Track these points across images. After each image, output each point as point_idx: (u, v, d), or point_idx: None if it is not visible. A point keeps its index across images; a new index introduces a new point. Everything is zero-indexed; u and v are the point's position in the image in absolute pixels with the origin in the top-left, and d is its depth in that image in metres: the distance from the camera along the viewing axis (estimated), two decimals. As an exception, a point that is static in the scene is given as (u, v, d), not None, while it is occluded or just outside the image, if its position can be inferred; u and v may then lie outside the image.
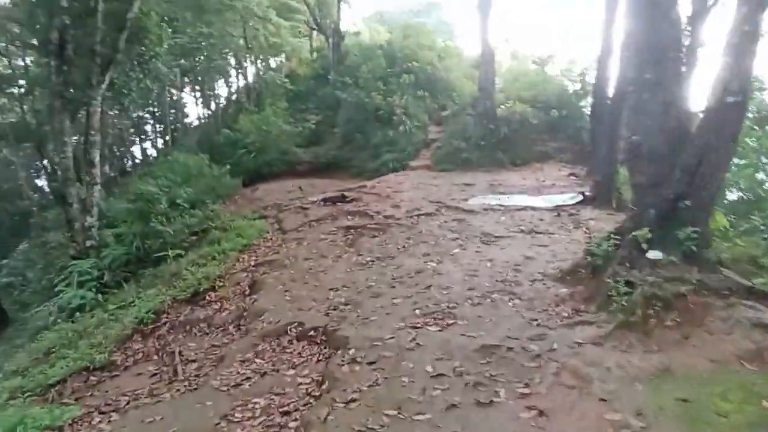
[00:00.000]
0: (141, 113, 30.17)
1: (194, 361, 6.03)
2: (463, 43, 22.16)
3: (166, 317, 7.34)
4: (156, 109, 30.27)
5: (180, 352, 6.30)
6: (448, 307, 5.79)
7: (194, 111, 33.93)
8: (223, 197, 16.27)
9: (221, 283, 7.98)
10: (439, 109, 18.54)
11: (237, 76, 27.04)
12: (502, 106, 16.23)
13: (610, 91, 11.93)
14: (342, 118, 18.69)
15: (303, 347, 5.60)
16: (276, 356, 5.51)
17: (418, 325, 5.34)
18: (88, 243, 12.22)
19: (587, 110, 16.60)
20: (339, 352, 5.13)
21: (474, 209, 10.25)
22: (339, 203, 11.60)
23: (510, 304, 5.73)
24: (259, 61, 25.99)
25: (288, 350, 5.61)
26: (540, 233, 8.56)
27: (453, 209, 10.48)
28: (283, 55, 27.58)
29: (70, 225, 12.52)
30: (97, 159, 12.43)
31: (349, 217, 10.54)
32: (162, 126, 31.01)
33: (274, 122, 19.28)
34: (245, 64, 25.45)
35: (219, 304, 7.43)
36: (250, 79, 26.51)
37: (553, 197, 10.43)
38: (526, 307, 5.59)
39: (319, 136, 19.93)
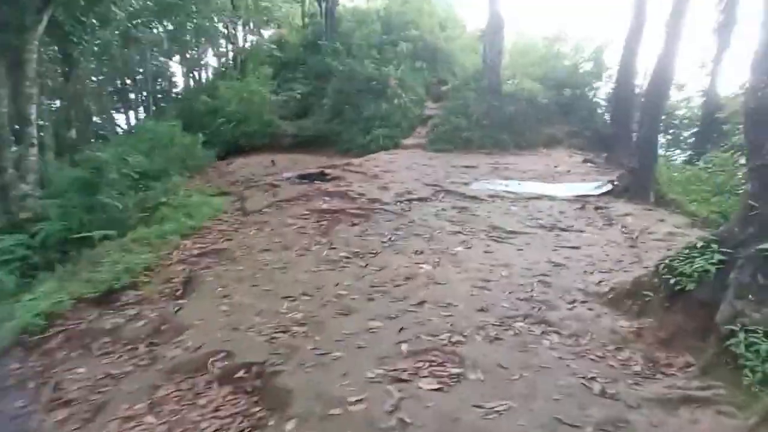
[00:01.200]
0: (126, 80, 27.60)
1: (70, 402, 3.91)
2: (467, 15, 19.66)
3: (63, 324, 5.17)
4: (140, 76, 27.69)
5: (57, 385, 4.18)
6: (450, 341, 3.68)
7: (183, 81, 31.33)
8: (192, 170, 14.01)
9: (147, 279, 5.81)
10: (438, 84, 16.23)
11: (226, 45, 24.42)
12: (509, 82, 14.00)
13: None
14: (331, 89, 16.35)
15: (224, 398, 3.48)
16: (180, 412, 3.39)
17: (404, 377, 3.23)
18: (23, 215, 10.02)
19: (601, 92, 14.54)
20: (274, 417, 3.04)
21: (478, 195, 8.13)
22: (317, 182, 9.42)
23: (545, 341, 3.64)
24: (248, 28, 23.38)
25: (201, 401, 3.48)
26: (564, 230, 6.47)
27: (452, 194, 8.36)
28: (276, 24, 24.94)
29: (3, 193, 10.26)
30: (33, 116, 10.10)
31: (326, 198, 8.36)
32: (145, 94, 28.43)
33: (256, 90, 16.89)
34: (233, 30, 22.84)
35: (137, 308, 5.26)
36: (240, 45, 23.95)
37: (574, 185, 8.33)
38: (572, 350, 3.50)
39: (308, 108, 17.55)
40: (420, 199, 8.04)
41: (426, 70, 16.11)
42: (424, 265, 5.33)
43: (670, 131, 14.33)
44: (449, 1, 19.87)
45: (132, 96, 29.76)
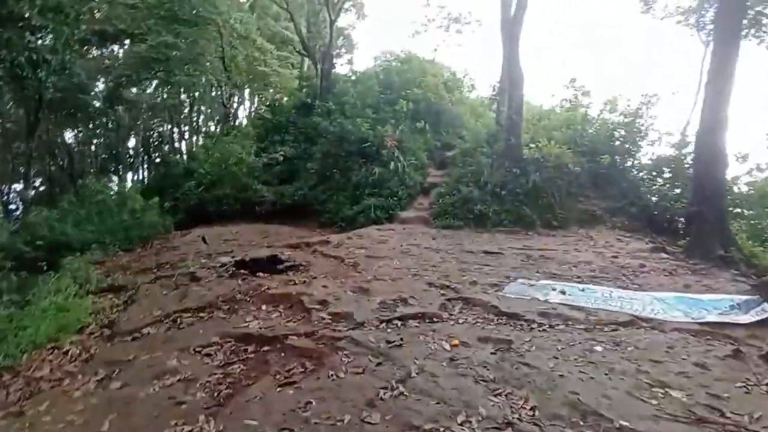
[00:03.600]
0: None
1: None
2: (473, 82, 16.90)
3: None
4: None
5: None
6: None
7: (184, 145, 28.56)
8: (136, 241, 10.45)
9: None
10: (443, 149, 12.98)
11: (219, 107, 21.78)
12: (531, 146, 10.67)
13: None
14: (319, 152, 13.11)
15: None
16: None
17: None
18: None
19: (646, 158, 11.17)
20: None
21: (522, 313, 4.37)
22: (262, 273, 5.70)
23: None
24: (241, 91, 20.76)
25: None
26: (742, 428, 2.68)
27: (476, 308, 4.61)
28: (273, 89, 22.42)
29: None
30: None
31: (263, 308, 4.63)
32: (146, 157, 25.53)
33: (231, 150, 13.66)
34: (225, 92, 20.17)
35: None
36: (233, 108, 21.27)
37: (688, 300, 4.56)
38: None
39: (294, 173, 14.21)
40: (421, 318, 4.30)
41: (429, 132, 12.90)
42: None
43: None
44: (453, 67, 17.11)
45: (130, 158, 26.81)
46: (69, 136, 23.48)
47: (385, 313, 4.40)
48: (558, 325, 4.15)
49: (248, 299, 4.86)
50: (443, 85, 14.38)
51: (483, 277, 5.67)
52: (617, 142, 11.01)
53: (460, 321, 4.27)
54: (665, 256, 6.90)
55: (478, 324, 4.21)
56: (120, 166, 25.15)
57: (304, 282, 5.31)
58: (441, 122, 13.42)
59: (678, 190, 10.10)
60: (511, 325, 4.18)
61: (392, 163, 11.06)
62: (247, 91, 24.49)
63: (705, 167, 6.85)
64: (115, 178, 25.25)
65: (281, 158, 13.72)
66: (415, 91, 13.42)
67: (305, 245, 8.19)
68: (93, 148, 24.43)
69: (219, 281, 5.49)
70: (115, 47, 19.02)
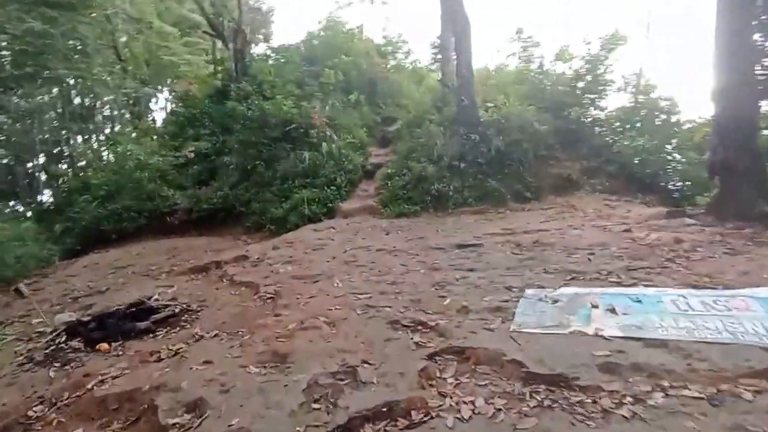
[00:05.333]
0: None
1: None
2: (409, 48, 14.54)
3: None
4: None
5: None
6: None
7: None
8: (8, 280, 7.52)
9: None
10: (384, 123, 10.70)
11: (118, 105, 18.20)
12: (489, 105, 8.64)
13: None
14: (236, 142, 10.48)
15: None
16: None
17: None
18: None
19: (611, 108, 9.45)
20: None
21: (567, 373, 2.26)
22: (108, 342, 3.24)
23: None
24: (142, 84, 17.36)
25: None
26: None
27: (489, 375, 2.43)
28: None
29: None
30: None
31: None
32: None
33: (129, 153, 10.72)
34: (126, 88, 16.72)
35: None
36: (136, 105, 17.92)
37: None
38: None
39: (213, 172, 11.45)
40: (389, 420, 2.08)
41: (365, 105, 10.55)
42: None
43: None
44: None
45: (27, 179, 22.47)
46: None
47: (316, 416, 2.13)
48: (649, 395, 2.05)
49: (51, 415, 2.42)
50: (376, 51, 12.00)
51: (472, 293, 3.50)
52: (581, 94, 9.17)
53: (465, 416, 2.07)
54: (689, 221, 5.04)
55: (502, 418, 2.03)
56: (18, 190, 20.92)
57: (176, 353, 2.91)
58: (377, 93, 11.08)
59: (655, 141, 8.44)
60: (562, 408, 2.04)
61: (324, 144, 8.68)
62: (159, 87, 20.98)
63: (730, 102, 5.00)
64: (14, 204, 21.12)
65: (191, 155, 10.92)
66: (343, 58, 10.98)
67: (215, 266, 5.74)
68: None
69: (15, 377, 2.96)
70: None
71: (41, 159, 19.75)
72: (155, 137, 12.45)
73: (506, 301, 3.26)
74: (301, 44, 12.96)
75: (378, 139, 10.21)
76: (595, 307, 2.98)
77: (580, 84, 9.16)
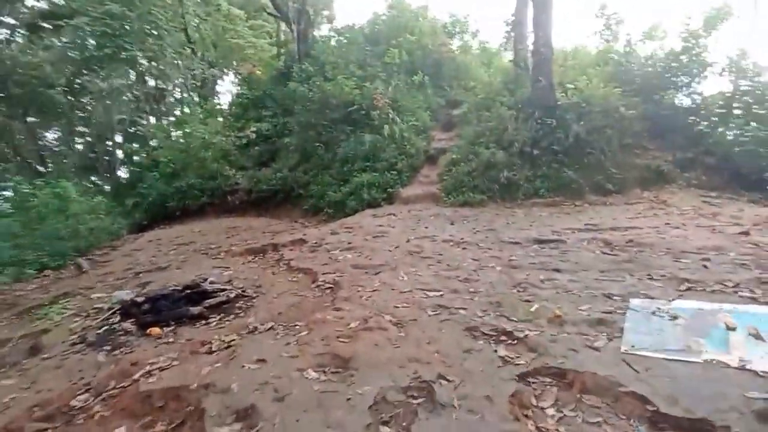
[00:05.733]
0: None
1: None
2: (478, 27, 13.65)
3: None
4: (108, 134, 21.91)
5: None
6: None
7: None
8: (71, 254, 7.83)
9: None
10: (448, 107, 10.08)
11: (188, 87, 18.72)
12: (569, 86, 7.81)
13: None
14: (297, 124, 10.30)
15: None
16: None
17: None
18: None
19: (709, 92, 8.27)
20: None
21: (712, 419, 1.69)
22: (161, 325, 3.02)
23: None
24: (211, 66, 17.71)
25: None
26: None
27: (599, 409, 1.91)
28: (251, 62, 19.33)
29: None
30: None
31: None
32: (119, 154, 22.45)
33: (195, 133, 10.85)
34: (193, 71, 17.13)
35: None
36: (205, 87, 18.35)
37: None
38: None
39: (275, 154, 11.40)
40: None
41: (429, 87, 9.96)
42: None
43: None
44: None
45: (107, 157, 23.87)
46: (51, 137, 20.76)
47: (385, 445, 1.72)
48: None
49: (95, 407, 2.18)
50: (442, 30, 11.30)
51: (563, 299, 2.94)
52: (673, 76, 8.06)
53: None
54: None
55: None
56: (98, 167, 22.27)
57: (228, 346, 2.61)
58: (443, 74, 10.43)
59: (764, 131, 7.24)
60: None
61: (386, 127, 8.24)
62: (225, 71, 21.44)
63: None
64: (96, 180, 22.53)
65: (252, 136, 10.88)
66: (408, 38, 10.41)
67: (272, 248, 5.52)
68: (79, 147, 21.51)
69: (64, 358, 2.80)
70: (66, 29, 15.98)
71: (118, 138, 20.88)
72: (220, 118, 12.51)
73: (609, 312, 2.69)
74: (366, 25, 12.50)
75: (442, 123, 9.62)
76: (732, 329, 2.34)
77: (674, 65, 8.05)
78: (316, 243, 5.25)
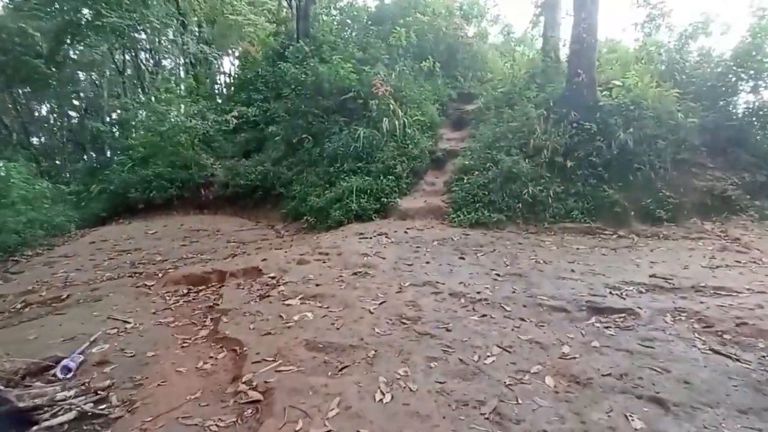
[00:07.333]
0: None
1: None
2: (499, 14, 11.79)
3: None
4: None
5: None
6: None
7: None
8: (8, 250, 6.26)
9: None
10: (461, 101, 8.41)
11: (177, 64, 16.96)
12: (615, 83, 6.13)
13: None
14: (284, 112, 8.66)
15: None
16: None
17: None
18: None
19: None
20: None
21: None
22: None
23: None
24: (203, 43, 15.90)
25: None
26: None
27: None
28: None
29: None
30: None
31: None
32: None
33: (167, 113, 9.18)
34: (183, 46, 15.36)
35: None
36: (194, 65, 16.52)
37: None
38: None
39: (262, 143, 9.73)
40: None
41: (440, 76, 8.27)
42: None
43: None
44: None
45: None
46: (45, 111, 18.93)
47: None
48: None
49: None
50: (459, 12, 9.51)
51: None
52: (743, 80, 6.38)
53: None
54: None
55: None
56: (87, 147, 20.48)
57: None
58: (456, 63, 8.70)
59: None
60: None
61: (386, 120, 6.58)
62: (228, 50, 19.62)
63: None
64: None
65: (235, 121, 9.23)
66: (418, 17, 8.67)
67: (217, 279, 3.95)
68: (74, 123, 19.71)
69: None
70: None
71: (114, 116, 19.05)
72: (202, 99, 10.82)
73: None
74: (372, 3, 10.75)
75: (452, 120, 7.94)
76: None
77: (741, 67, 6.37)
78: (273, 278, 3.67)
